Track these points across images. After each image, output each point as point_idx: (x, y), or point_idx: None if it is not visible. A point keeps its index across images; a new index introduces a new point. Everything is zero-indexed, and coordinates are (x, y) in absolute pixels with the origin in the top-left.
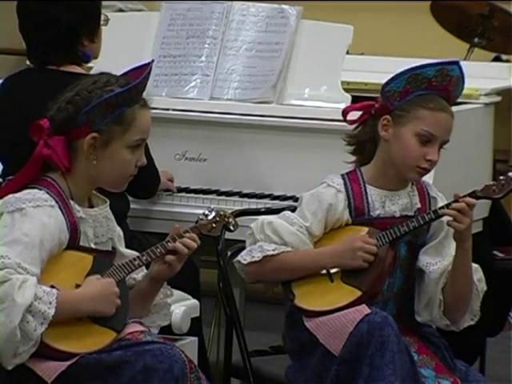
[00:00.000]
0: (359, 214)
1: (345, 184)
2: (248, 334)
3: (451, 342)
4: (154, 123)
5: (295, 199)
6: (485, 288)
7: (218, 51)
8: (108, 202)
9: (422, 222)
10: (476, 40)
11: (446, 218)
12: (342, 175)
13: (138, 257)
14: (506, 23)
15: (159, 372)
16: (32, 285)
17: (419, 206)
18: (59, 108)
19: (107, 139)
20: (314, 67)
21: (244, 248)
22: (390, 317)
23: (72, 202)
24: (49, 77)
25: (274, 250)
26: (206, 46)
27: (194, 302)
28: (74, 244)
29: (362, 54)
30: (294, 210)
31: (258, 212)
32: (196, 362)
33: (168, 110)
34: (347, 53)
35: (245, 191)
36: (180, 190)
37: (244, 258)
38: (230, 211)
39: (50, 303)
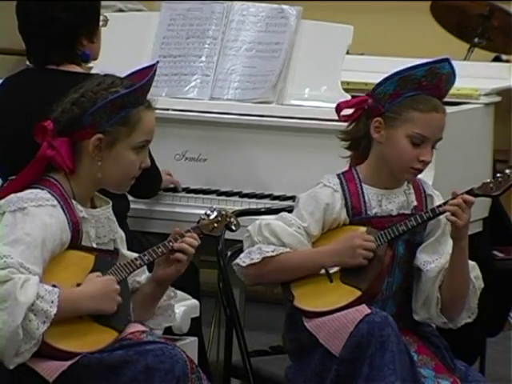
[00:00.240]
0: (356, 213)
1: (341, 184)
2: (248, 334)
3: (451, 341)
4: None
5: (295, 199)
6: (482, 285)
7: (218, 51)
8: (110, 203)
9: (420, 221)
10: (476, 40)
11: (443, 216)
12: (338, 175)
13: (139, 256)
14: (506, 23)
15: (160, 372)
16: (34, 284)
17: (416, 203)
18: (64, 109)
19: (112, 140)
20: (313, 67)
21: None
22: (390, 317)
23: (74, 202)
24: (49, 76)
25: (272, 252)
26: (206, 46)
27: (194, 302)
28: (75, 244)
29: (362, 54)
30: (293, 210)
31: (258, 212)
32: (196, 362)
33: (168, 110)
34: (347, 53)
35: (245, 191)
36: (180, 190)
37: (243, 260)
38: (230, 211)
39: (52, 302)
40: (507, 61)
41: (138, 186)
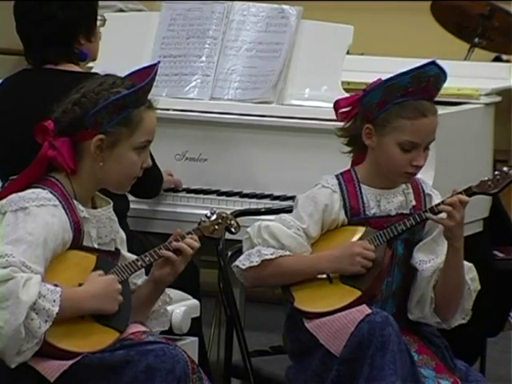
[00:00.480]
0: (355, 213)
1: (339, 184)
2: (248, 334)
3: (451, 341)
4: None
5: (294, 200)
6: (478, 287)
7: (219, 51)
8: (111, 204)
9: (418, 220)
10: (476, 40)
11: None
12: (337, 175)
13: (140, 257)
14: (506, 23)
15: (161, 372)
16: (36, 283)
17: (414, 203)
18: (65, 110)
19: (114, 141)
20: (314, 67)
21: None
22: (391, 317)
23: (76, 202)
24: (47, 76)
25: (272, 254)
26: (207, 46)
27: (195, 302)
28: (77, 244)
29: (362, 54)
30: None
31: (258, 212)
32: (196, 362)
33: (168, 110)
34: (347, 53)
35: (245, 191)
36: (180, 190)
37: (242, 263)
38: (230, 211)
39: (54, 301)
40: (507, 61)
41: (139, 186)
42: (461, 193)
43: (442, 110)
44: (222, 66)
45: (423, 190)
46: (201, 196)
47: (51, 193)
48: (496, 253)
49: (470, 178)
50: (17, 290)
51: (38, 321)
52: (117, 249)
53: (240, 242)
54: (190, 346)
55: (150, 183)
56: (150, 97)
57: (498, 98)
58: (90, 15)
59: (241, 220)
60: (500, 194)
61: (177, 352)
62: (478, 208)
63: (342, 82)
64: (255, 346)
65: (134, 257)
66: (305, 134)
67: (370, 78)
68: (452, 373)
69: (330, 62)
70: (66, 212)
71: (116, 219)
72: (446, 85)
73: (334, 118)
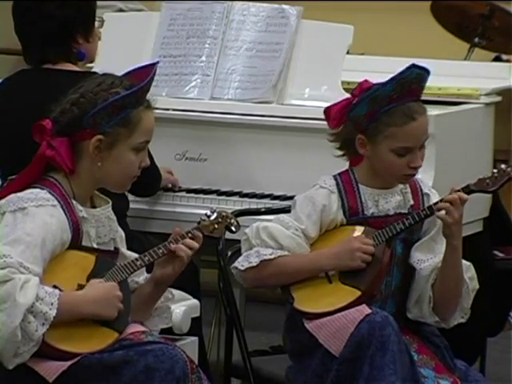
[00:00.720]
0: (353, 213)
1: (337, 185)
2: (248, 333)
3: (451, 341)
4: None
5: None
6: (477, 286)
7: (219, 51)
8: (110, 203)
9: (417, 219)
10: (476, 40)
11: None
12: (334, 176)
13: (139, 257)
14: (506, 23)
15: (161, 372)
16: (34, 285)
17: (412, 202)
18: (63, 110)
19: (112, 141)
20: (314, 67)
21: None
22: (391, 316)
23: (74, 202)
24: (45, 76)
25: (270, 255)
26: (207, 45)
27: (195, 301)
28: (76, 244)
29: (362, 53)
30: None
31: (258, 212)
32: (196, 361)
33: (168, 109)
34: (347, 53)
35: (245, 191)
36: (180, 190)
37: (241, 264)
38: (230, 211)
39: (52, 304)
40: (507, 61)
41: (137, 185)
42: (459, 191)
43: (441, 110)
44: (222, 66)
45: (421, 190)
46: (201, 196)
47: (50, 193)
48: (496, 252)
49: (470, 178)
50: (14, 293)
51: (35, 324)
52: (116, 248)
53: (240, 241)
54: (189, 345)
55: (148, 182)
56: (148, 97)
57: (498, 98)
58: (88, 15)
59: (241, 220)
60: (500, 194)
61: (176, 352)
62: (478, 208)
63: (342, 82)
64: (255, 346)
65: (135, 255)
66: (305, 133)
67: (370, 78)
68: (452, 373)
69: (330, 62)
70: (64, 212)
71: (115, 218)
72: (446, 85)
73: None
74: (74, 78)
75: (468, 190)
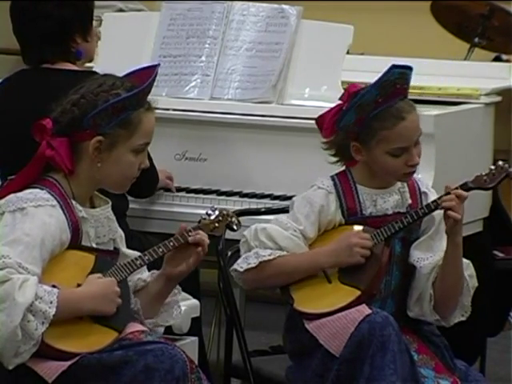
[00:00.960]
0: (351, 213)
1: (335, 185)
2: (248, 333)
3: (451, 341)
4: None
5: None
6: (476, 284)
7: (218, 51)
8: (110, 203)
9: (415, 218)
10: (476, 40)
11: (437, 213)
12: (332, 176)
13: (139, 256)
14: (506, 23)
15: (160, 372)
16: (33, 284)
17: (410, 201)
18: (64, 110)
19: (112, 143)
20: (314, 67)
21: None
22: (391, 316)
23: (74, 202)
24: (44, 75)
25: (269, 255)
26: (206, 45)
27: (195, 301)
28: (75, 244)
29: (362, 53)
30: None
31: (258, 212)
32: (196, 361)
33: (168, 109)
34: (347, 53)
35: (245, 191)
36: (180, 189)
37: (240, 265)
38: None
39: (51, 302)
40: (507, 60)
41: (134, 186)
42: (456, 188)
43: (441, 110)
44: (222, 66)
45: (419, 189)
46: (201, 196)
47: (49, 193)
48: (496, 252)
49: (469, 178)
50: (13, 292)
51: (35, 322)
52: (116, 248)
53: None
54: (189, 345)
55: (145, 183)
56: (149, 98)
57: (497, 98)
58: (85, 14)
59: (241, 220)
60: (500, 194)
61: (175, 352)
62: (478, 208)
63: (342, 82)
64: (255, 346)
65: (136, 253)
66: (305, 133)
67: (370, 78)
68: (452, 373)
69: (329, 62)
70: (64, 212)
71: (114, 219)
72: (445, 85)
73: None
74: (73, 78)
75: (466, 187)
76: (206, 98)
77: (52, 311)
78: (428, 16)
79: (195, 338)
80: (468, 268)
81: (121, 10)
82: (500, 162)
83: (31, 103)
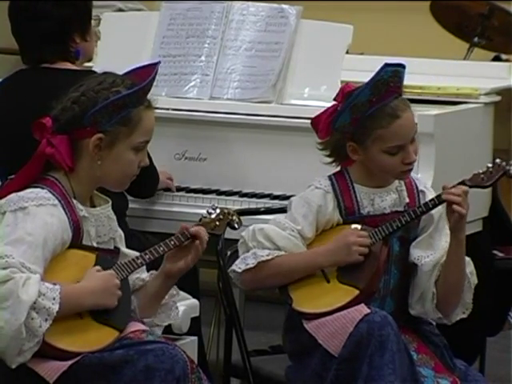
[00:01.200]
0: (349, 213)
1: (332, 185)
2: (248, 333)
3: (451, 341)
4: None
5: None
6: (476, 281)
7: (218, 51)
8: (110, 202)
9: (413, 216)
10: (476, 39)
11: (434, 211)
12: (329, 176)
13: (140, 255)
14: (506, 23)
15: (161, 372)
16: (35, 282)
17: (408, 200)
18: (64, 108)
19: (112, 140)
20: (313, 67)
21: None
22: (390, 316)
23: (75, 201)
24: (43, 75)
25: (267, 256)
26: (206, 45)
27: (194, 301)
28: (76, 243)
29: (361, 53)
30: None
31: (257, 212)
32: (196, 361)
33: (168, 109)
34: (347, 52)
35: (244, 191)
36: (179, 189)
37: (239, 266)
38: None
39: (54, 299)
40: (507, 60)
41: (134, 186)
42: (454, 187)
43: (441, 110)
44: (222, 66)
45: (416, 187)
46: (200, 195)
47: (50, 192)
48: (496, 252)
49: (467, 177)
50: (16, 290)
51: (39, 320)
52: (116, 247)
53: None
54: (189, 345)
55: (146, 183)
56: (149, 96)
57: (497, 98)
58: (84, 14)
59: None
60: (499, 194)
61: (176, 352)
62: (478, 207)
63: (342, 82)
64: (255, 346)
65: (135, 253)
66: (304, 133)
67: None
68: (451, 372)
69: (329, 62)
70: (65, 211)
71: (115, 218)
72: (445, 84)
73: None
74: (72, 77)
75: (463, 185)
76: (205, 97)
77: (55, 307)
78: (427, 16)
79: (195, 338)
80: (468, 265)
81: (120, 10)
82: (497, 160)
83: (30, 103)
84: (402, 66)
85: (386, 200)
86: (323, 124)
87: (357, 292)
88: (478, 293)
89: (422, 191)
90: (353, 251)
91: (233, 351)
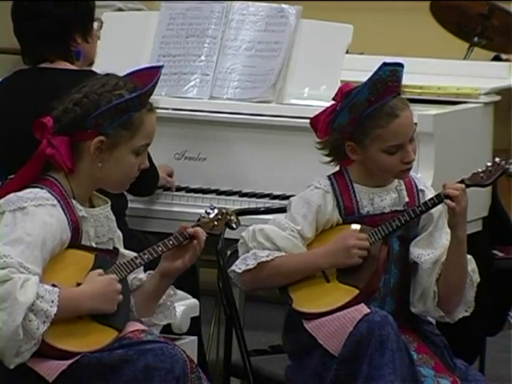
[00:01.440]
0: (349, 212)
1: (332, 184)
2: (247, 333)
3: (451, 340)
4: None
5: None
6: (478, 279)
7: (218, 50)
8: (109, 203)
9: (413, 215)
10: (476, 39)
11: (434, 210)
12: (329, 176)
13: (139, 255)
14: (506, 22)
15: (160, 372)
16: (34, 283)
17: (407, 199)
18: (66, 109)
19: (114, 143)
20: (313, 66)
21: None
22: (390, 316)
23: (74, 202)
24: (42, 75)
25: (267, 256)
26: (206, 45)
27: (194, 301)
28: (75, 243)
29: (361, 53)
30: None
31: (257, 211)
32: (195, 361)
33: (167, 109)
34: (347, 52)
35: (244, 191)
36: (179, 189)
37: (239, 267)
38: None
39: (52, 301)
40: (507, 60)
41: (135, 185)
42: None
43: (441, 110)
44: (222, 66)
45: (416, 186)
46: (200, 195)
47: (50, 192)
48: (496, 252)
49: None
50: (14, 292)
51: (36, 322)
52: (115, 247)
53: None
54: (189, 345)
55: (145, 182)
56: (151, 99)
57: (497, 98)
58: (86, 13)
59: (240, 219)
60: (499, 193)
61: (176, 351)
62: (477, 207)
63: (342, 81)
64: (254, 346)
65: (134, 254)
66: (304, 133)
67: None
68: (451, 372)
69: (329, 62)
70: (64, 211)
71: (114, 219)
72: (445, 84)
73: None
74: (71, 77)
75: (463, 184)
76: (205, 97)
77: (53, 310)
78: (427, 15)
79: (194, 338)
80: (470, 263)
81: (120, 10)
82: (497, 159)
83: (29, 102)
84: (401, 66)
85: (386, 199)
86: (322, 124)
87: (357, 292)
88: (478, 292)
89: (422, 190)
90: (352, 254)
91: (233, 351)
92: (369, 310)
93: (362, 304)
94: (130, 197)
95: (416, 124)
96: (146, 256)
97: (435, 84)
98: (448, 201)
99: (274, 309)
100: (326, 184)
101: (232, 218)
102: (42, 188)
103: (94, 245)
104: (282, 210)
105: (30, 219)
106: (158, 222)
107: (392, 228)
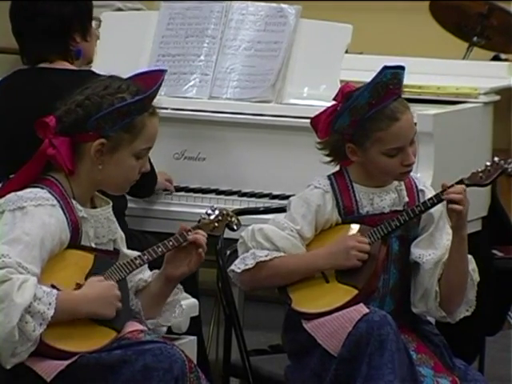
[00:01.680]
0: (348, 212)
1: (331, 184)
2: (247, 333)
3: (450, 340)
4: None
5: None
6: (478, 278)
7: (217, 50)
8: (110, 204)
9: (412, 215)
10: (475, 39)
11: (434, 210)
12: (329, 176)
13: (139, 256)
14: (505, 22)
15: (159, 372)
16: (32, 285)
17: (407, 199)
18: (68, 110)
19: (115, 146)
20: (313, 66)
21: None
22: (389, 316)
23: (74, 202)
24: (41, 75)
25: (266, 256)
26: (205, 45)
27: (194, 301)
28: (75, 243)
29: (360, 53)
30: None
31: (257, 211)
32: (195, 361)
33: (167, 109)
34: (346, 52)
35: (244, 190)
36: (179, 189)
37: (238, 266)
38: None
39: (50, 304)
40: (506, 60)
41: (133, 186)
42: (452, 186)
43: (440, 109)
44: (221, 65)
45: (416, 186)
46: (199, 195)
47: (49, 192)
48: (495, 252)
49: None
50: (12, 293)
51: (33, 324)
52: (115, 248)
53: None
54: (188, 345)
55: (144, 184)
56: (153, 102)
57: (496, 97)
58: (85, 12)
59: (239, 219)
60: (499, 193)
61: (174, 351)
62: (477, 207)
63: (341, 81)
64: (254, 345)
65: (136, 253)
66: (303, 132)
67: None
68: (451, 372)
69: (328, 61)
70: (64, 212)
71: (115, 219)
72: (444, 84)
73: None
74: (71, 77)
75: (462, 184)
76: (204, 97)
77: (50, 313)
78: (427, 15)
79: (194, 338)
80: (470, 262)
81: (119, 9)
82: (496, 159)
83: (28, 102)
84: (402, 68)
85: (386, 199)
86: (323, 124)
87: (356, 292)
88: (478, 292)
89: (422, 190)
90: (351, 256)
91: (232, 351)
92: (368, 310)
93: (361, 304)
94: (129, 196)
95: (415, 126)
96: (146, 257)
97: (434, 84)
98: (454, 205)
99: (273, 309)
100: (325, 184)
101: (233, 219)
102: (42, 188)
103: (93, 245)
104: (282, 209)
105: (29, 219)
106: (157, 222)
107: (391, 228)
